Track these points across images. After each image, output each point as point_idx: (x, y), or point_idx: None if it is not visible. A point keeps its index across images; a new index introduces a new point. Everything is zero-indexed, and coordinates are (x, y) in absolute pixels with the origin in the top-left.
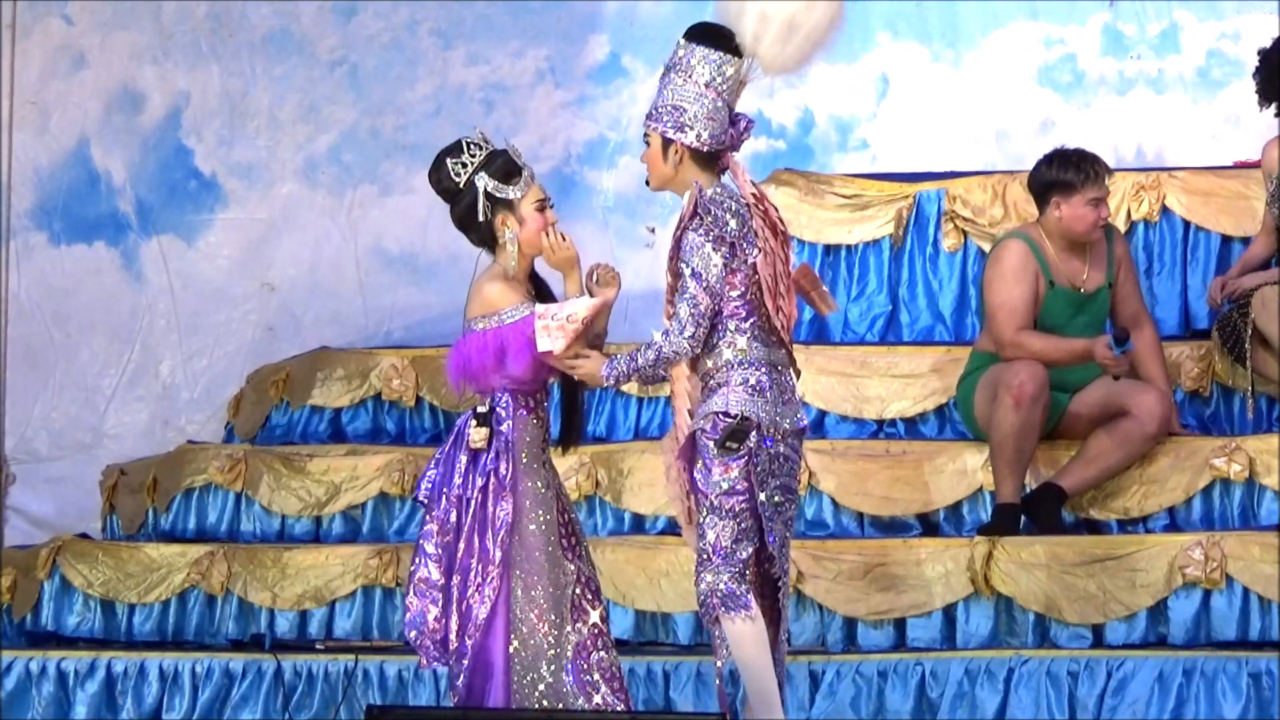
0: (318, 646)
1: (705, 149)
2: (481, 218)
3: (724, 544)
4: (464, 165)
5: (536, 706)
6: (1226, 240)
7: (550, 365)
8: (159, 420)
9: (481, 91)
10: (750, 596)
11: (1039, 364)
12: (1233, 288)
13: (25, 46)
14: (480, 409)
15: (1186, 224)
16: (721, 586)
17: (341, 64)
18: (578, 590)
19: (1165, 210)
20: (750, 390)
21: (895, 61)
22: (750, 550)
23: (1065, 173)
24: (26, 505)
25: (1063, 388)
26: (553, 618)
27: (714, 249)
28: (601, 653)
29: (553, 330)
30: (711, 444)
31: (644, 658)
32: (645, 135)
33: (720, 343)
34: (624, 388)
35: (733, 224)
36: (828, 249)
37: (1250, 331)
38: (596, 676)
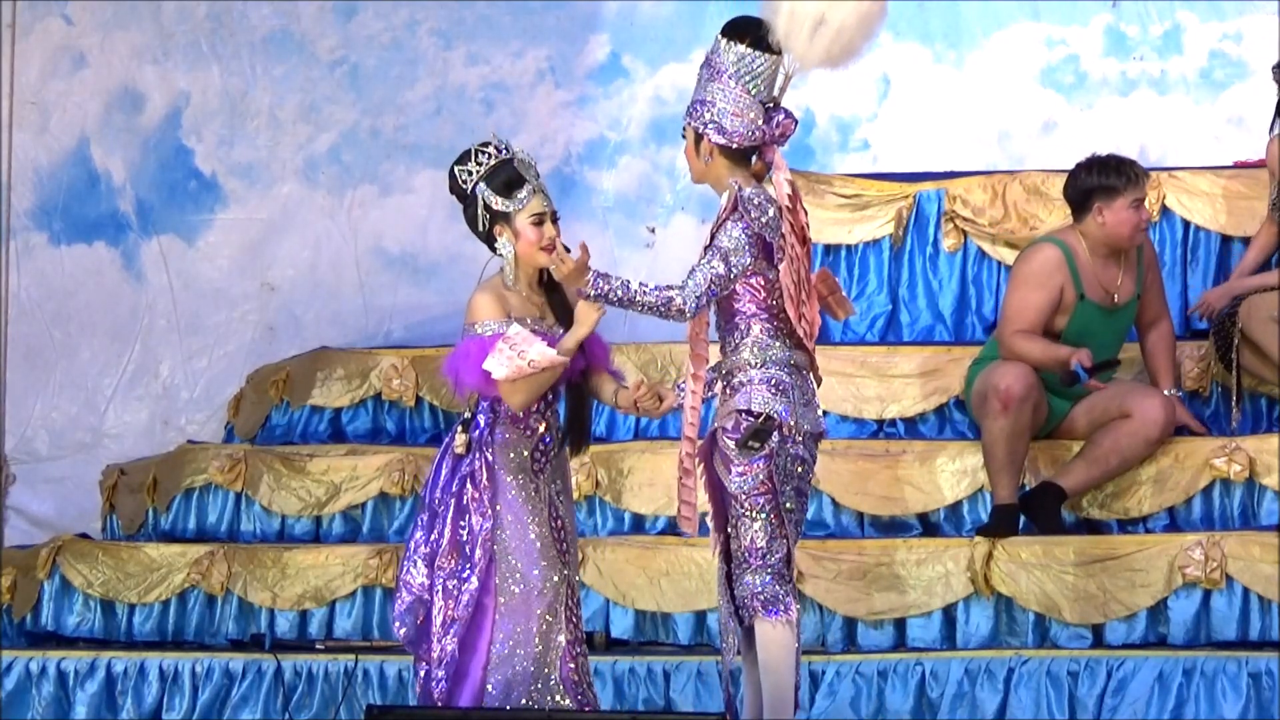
0: (318, 646)
1: (733, 145)
2: (481, 228)
3: (759, 544)
4: (470, 173)
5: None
6: (1226, 240)
7: (554, 377)
8: (159, 420)
9: (482, 91)
10: (791, 599)
11: (1026, 366)
12: (1220, 297)
13: (25, 46)
14: (466, 415)
15: (1187, 224)
16: (760, 588)
17: (342, 64)
18: (562, 597)
19: (1165, 210)
20: (774, 389)
21: (897, 62)
22: (786, 548)
23: (1106, 177)
24: (26, 505)
25: (1066, 395)
26: (538, 624)
27: (748, 245)
28: (581, 659)
29: (503, 355)
30: (732, 443)
31: (644, 658)
32: (682, 130)
33: (744, 342)
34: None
35: (769, 224)
36: (828, 249)
37: (1239, 338)
38: (583, 680)
